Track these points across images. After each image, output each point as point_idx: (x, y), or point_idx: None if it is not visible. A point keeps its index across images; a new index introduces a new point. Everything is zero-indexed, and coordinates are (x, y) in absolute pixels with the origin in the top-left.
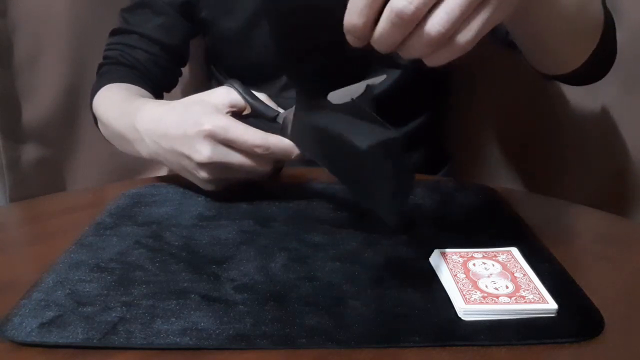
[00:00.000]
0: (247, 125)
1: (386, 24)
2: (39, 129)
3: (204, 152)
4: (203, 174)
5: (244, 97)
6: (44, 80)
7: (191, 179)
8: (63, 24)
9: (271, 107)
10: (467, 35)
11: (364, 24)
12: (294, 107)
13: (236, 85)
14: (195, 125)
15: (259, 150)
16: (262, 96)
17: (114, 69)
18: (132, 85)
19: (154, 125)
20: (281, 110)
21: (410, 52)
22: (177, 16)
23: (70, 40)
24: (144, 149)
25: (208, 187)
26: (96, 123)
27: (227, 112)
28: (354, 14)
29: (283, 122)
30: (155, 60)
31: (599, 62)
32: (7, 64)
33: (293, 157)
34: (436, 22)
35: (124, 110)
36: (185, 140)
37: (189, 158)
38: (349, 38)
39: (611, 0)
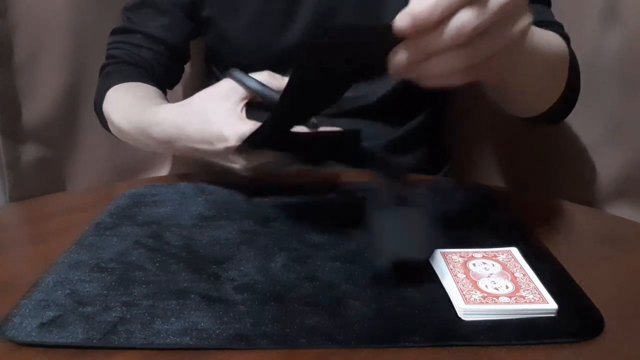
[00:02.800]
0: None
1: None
2: (39, 129)
3: (239, 162)
4: (245, 173)
5: (245, 87)
6: (44, 80)
7: (226, 167)
8: (63, 24)
9: (273, 90)
10: (485, 72)
11: (438, 18)
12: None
13: (236, 75)
14: (220, 141)
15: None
16: (262, 76)
17: (119, 68)
18: (140, 84)
19: (177, 135)
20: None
21: (435, 68)
22: (181, 15)
23: (70, 40)
24: (174, 152)
25: (245, 174)
26: (102, 124)
27: (242, 107)
28: (433, 5)
29: None
30: (160, 59)
31: (564, 104)
32: (7, 64)
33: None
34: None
35: (139, 117)
36: (217, 156)
37: (226, 165)
38: (405, 24)
39: (611, 0)
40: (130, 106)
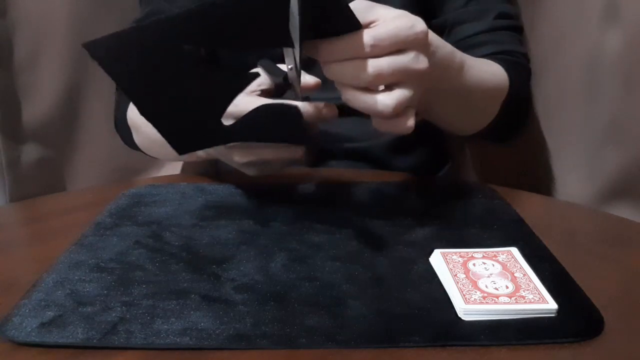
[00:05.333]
0: (257, 97)
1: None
2: (39, 129)
3: (236, 157)
4: (236, 158)
5: (268, 74)
6: (44, 80)
7: (235, 166)
8: (63, 24)
9: (279, 69)
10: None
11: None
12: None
13: (264, 63)
14: None
15: None
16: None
17: None
18: None
19: None
20: (286, 68)
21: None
22: None
23: (70, 40)
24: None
25: (250, 173)
26: (125, 139)
27: (256, 91)
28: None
29: (290, 80)
30: None
31: (502, 129)
32: (7, 64)
33: (309, 117)
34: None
35: None
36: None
37: (232, 164)
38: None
39: (611, 0)
40: None
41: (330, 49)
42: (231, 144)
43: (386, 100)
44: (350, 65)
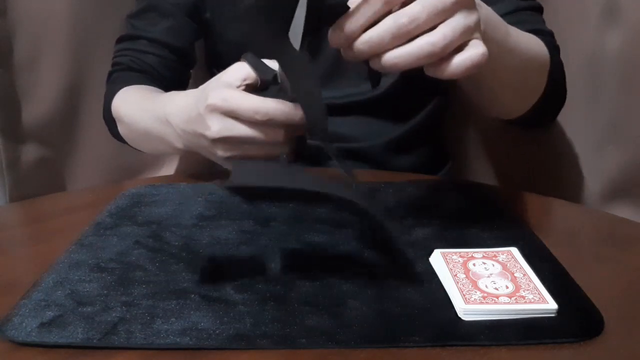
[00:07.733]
0: (247, 94)
1: (383, 33)
2: (39, 129)
3: (212, 127)
4: (219, 152)
5: (253, 69)
6: (44, 80)
7: (216, 160)
8: (63, 24)
9: (269, 67)
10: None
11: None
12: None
13: (249, 58)
14: (204, 101)
15: (259, 117)
16: (275, 64)
17: (126, 75)
18: (149, 86)
19: (180, 112)
20: (276, 68)
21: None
22: (184, 18)
23: (70, 40)
24: (178, 141)
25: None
26: (112, 130)
27: (241, 86)
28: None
29: (281, 80)
30: (166, 64)
31: (544, 110)
32: (7, 64)
33: (297, 119)
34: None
35: (150, 107)
36: (198, 118)
37: (203, 136)
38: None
39: (611, 0)
40: (143, 98)
41: (356, 17)
42: (216, 137)
43: (430, 38)
44: (381, 26)
